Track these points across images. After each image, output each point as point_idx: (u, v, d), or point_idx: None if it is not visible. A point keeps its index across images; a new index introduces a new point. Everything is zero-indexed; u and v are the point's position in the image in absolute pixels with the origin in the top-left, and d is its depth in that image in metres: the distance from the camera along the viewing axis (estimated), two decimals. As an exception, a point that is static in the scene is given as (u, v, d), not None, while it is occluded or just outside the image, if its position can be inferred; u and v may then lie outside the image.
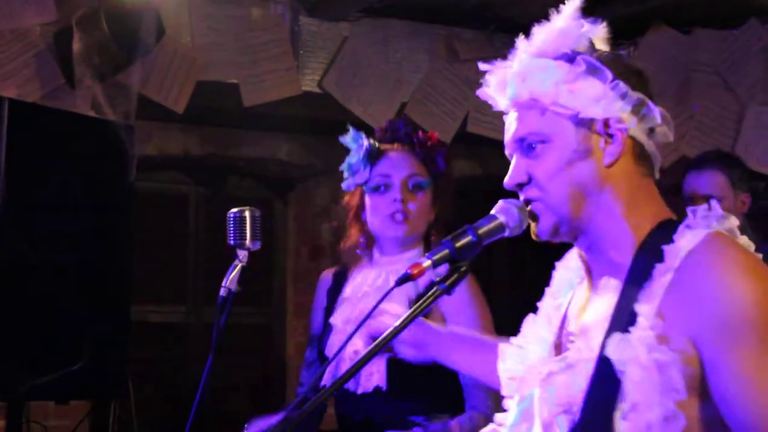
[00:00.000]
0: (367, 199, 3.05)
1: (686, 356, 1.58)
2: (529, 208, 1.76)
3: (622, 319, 1.63)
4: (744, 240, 1.70)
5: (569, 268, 1.92)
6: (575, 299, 1.84)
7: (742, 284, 1.57)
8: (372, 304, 2.93)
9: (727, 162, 3.98)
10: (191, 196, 5.74)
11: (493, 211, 1.75)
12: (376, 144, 3.08)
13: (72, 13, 4.09)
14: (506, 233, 1.74)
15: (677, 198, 4.18)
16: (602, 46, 1.81)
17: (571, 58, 1.75)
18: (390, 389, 2.85)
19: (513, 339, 1.89)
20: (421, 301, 1.63)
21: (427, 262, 1.66)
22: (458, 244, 1.68)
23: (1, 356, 3.18)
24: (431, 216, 3.05)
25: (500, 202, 1.77)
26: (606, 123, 1.74)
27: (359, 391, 2.95)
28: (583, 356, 1.67)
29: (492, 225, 1.72)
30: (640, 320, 1.60)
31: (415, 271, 1.64)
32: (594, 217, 1.74)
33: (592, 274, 1.80)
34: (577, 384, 1.66)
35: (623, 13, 4.74)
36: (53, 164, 3.42)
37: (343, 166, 3.08)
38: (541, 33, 1.80)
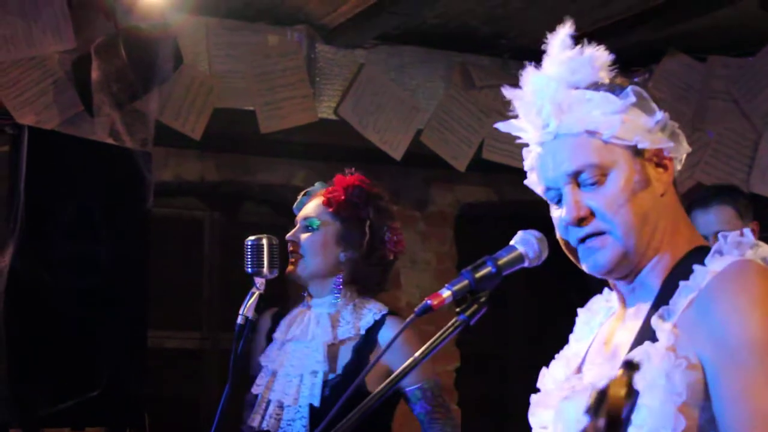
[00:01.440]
0: None
1: (691, 365, 1.60)
2: (587, 243, 1.74)
3: (646, 336, 1.65)
4: None
5: (591, 310, 1.93)
6: (602, 332, 1.85)
7: (751, 310, 1.58)
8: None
9: (731, 195, 3.94)
10: (207, 222, 5.75)
11: (512, 242, 1.75)
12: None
13: (90, 41, 4.12)
14: (525, 264, 1.74)
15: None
16: (608, 74, 1.80)
17: (611, 88, 1.76)
18: None
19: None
20: (440, 333, 1.62)
21: (446, 293, 1.65)
22: (478, 275, 1.67)
23: (17, 383, 3.19)
24: (336, 257, 3.05)
25: (519, 233, 1.76)
26: (657, 153, 1.76)
27: None
28: (606, 374, 1.66)
29: (511, 256, 1.72)
30: (659, 335, 1.62)
31: (435, 302, 1.64)
32: (651, 246, 1.74)
33: (625, 302, 1.81)
34: None
35: (639, 41, 4.75)
36: (72, 191, 3.44)
37: None
38: (555, 63, 1.78)
